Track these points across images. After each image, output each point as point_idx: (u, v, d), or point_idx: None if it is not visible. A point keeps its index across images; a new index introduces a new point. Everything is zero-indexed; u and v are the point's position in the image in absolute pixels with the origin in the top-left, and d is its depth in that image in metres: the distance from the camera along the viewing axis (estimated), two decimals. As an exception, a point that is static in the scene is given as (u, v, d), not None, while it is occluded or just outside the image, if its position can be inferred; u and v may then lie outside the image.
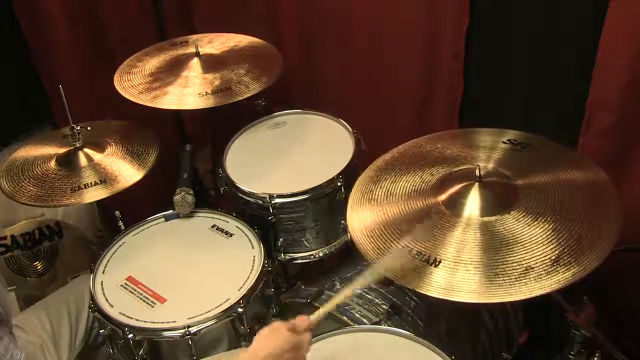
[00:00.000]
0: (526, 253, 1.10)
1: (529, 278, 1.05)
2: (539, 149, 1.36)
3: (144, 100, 1.77)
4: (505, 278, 1.07)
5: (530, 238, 1.13)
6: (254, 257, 1.60)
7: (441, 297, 1.08)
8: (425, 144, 1.46)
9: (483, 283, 1.07)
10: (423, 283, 1.10)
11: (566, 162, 1.32)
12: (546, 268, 1.06)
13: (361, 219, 1.29)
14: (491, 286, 1.06)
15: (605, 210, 1.17)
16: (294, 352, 1.10)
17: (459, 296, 1.07)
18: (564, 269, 1.06)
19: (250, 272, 1.56)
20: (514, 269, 1.08)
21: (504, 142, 1.38)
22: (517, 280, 1.06)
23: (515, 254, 1.10)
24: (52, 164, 1.70)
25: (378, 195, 1.33)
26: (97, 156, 1.72)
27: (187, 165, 1.89)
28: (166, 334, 1.44)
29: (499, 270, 1.08)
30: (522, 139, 1.39)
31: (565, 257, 1.07)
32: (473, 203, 1.22)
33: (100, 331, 1.53)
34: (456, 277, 1.09)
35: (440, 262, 1.12)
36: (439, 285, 1.09)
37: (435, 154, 1.42)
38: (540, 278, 1.05)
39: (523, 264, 1.08)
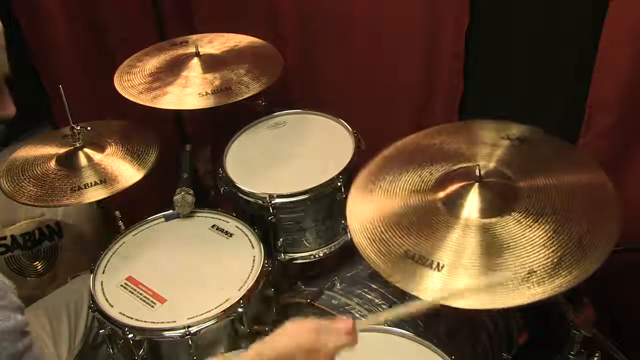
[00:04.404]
0: (528, 256, 1.09)
1: (532, 282, 1.04)
2: (539, 145, 1.35)
3: (144, 100, 1.77)
4: (508, 282, 1.06)
5: (532, 240, 1.12)
6: (254, 257, 1.60)
7: (443, 303, 1.06)
8: (424, 139, 1.45)
9: (486, 288, 1.06)
10: (425, 288, 1.10)
11: (566, 160, 1.31)
12: (549, 271, 1.06)
13: (361, 219, 1.28)
14: (494, 291, 1.05)
15: (606, 210, 1.17)
16: (311, 354, 1.04)
17: (462, 302, 1.06)
18: (566, 272, 1.05)
19: (250, 272, 1.56)
20: (516, 273, 1.07)
21: (504, 138, 1.37)
22: (520, 285, 1.05)
23: (517, 258, 1.09)
24: (52, 164, 1.70)
25: (378, 195, 1.33)
26: (97, 156, 1.72)
27: (187, 165, 1.89)
28: (166, 334, 1.44)
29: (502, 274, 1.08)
30: (522, 133, 1.37)
31: (567, 260, 1.07)
32: (472, 204, 1.22)
33: (100, 331, 1.53)
34: (458, 282, 1.08)
35: (443, 266, 1.12)
36: (442, 290, 1.08)
37: (434, 149, 1.41)
38: (543, 282, 1.04)
39: (526, 267, 1.07)
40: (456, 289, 1.09)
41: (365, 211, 1.30)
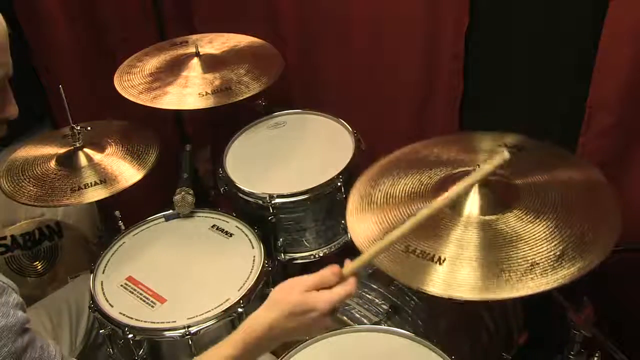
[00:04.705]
0: (530, 249, 1.10)
1: (535, 273, 1.06)
2: (537, 151, 1.36)
3: (144, 100, 1.77)
4: (511, 274, 1.07)
5: (533, 235, 1.13)
6: (254, 257, 1.61)
7: (447, 295, 1.07)
8: (422, 150, 1.46)
9: (489, 279, 1.07)
10: (428, 281, 1.10)
11: (565, 164, 1.32)
12: (551, 263, 1.07)
13: (361, 219, 1.28)
14: (498, 282, 1.06)
15: (605, 210, 1.17)
16: (303, 316, 1.00)
17: (466, 293, 1.06)
18: (569, 264, 1.06)
19: (250, 272, 1.56)
20: (519, 265, 1.08)
21: (501, 146, 1.38)
22: (523, 276, 1.06)
23: (519, 251, 1.10)
24: (52, 164, 1.70)
25: (378, 196, 1.33)
26: (97, 156, 1.72)
27: (187, 165, 1.89)
28: (166, 334, 1.44)
29: (504, 266, 1.08)
30: (519, 142, 1.38)
31: (570, 252, 1.08)
32: (473, 203, 1.22)
33: (100, 331, 1.53)
34: (462, 274, 1.09)
35: (444, 260, 1.12)
36: (444, 283, 1.09)
37: (433, 158, 1.41)
38: (546, 273, 1.05)
39: (528, 260, 1.08)
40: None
41: (365, 211, 1.30)
